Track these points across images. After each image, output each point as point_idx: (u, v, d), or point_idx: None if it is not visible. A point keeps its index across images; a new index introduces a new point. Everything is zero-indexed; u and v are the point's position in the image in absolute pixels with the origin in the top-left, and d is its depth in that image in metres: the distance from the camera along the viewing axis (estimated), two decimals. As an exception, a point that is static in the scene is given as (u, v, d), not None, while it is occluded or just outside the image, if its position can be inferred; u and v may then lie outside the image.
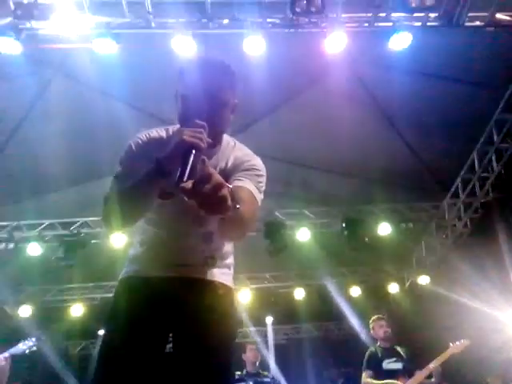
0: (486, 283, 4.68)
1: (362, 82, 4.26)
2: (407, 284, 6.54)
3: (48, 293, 6.05)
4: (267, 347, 6.56)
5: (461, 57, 3.77)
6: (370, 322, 4.03)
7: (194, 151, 0.96)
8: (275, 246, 5.27)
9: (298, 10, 3.12)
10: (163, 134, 1.33)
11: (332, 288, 6.24)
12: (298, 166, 5.11)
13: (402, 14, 3.35)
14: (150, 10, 3.34)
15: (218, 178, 0.82)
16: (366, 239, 5.33)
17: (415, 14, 3.33)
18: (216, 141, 1.24)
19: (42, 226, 5.09)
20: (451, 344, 3.49)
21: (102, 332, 6.62)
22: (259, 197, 1.25)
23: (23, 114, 4.16)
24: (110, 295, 5.66)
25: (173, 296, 1.28)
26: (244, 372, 3.80)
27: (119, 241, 4.98)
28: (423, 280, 5.98)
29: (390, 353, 3.68)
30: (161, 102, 4.47)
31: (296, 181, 5.19)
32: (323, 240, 5.62)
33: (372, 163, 5.06)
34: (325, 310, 6.55)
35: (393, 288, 6.43)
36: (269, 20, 3.43)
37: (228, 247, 1.40)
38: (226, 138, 1.36)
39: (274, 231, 5.23)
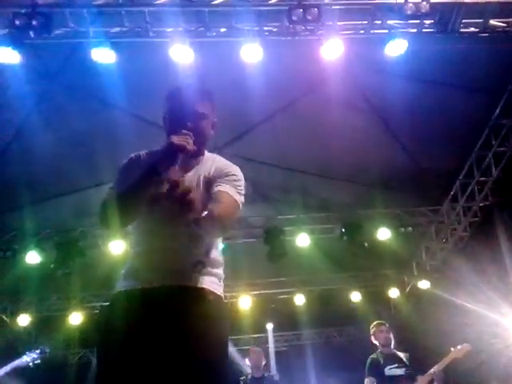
0: (486, 286, 4.67)
1: (359, 89, 4.29)
2: (408, 288, 6.53)
3: (46, 301, 6.02)
4: (268, 354, 6.52)
5: (457, 62, 3.80)
6: (371, 327, 4.01)
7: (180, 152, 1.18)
8: (275, 252, 5.28)
9: (294, 18, 3.15)
10: (153, 154, 1.43)
11: (332, 293, 6.23)
12: (296, 172, 5.12)
13: (398, 21, 3.38)
14: (148, 19, 3.37)
15: (186, 184, 1.04)
16: (366, 244, 5.33)
17: (410, 21, 3.35)
18: (199, 150, 1.39)
19: (41, 235, 5.07)
20: (452, 349, 3.46)
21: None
22: (238, 198, 1.37)
23: (21, 122, 4.17)
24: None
25: (163, 305, 1.29)
26: (249, 377, 3.75)
27: (117, 248, 4.96)
28: (424, 284, 5.97)
29: (392, 359, 3.65)
30: (160, 109, 4.51)
31: (294, 187, 5.21)
32: (323, 245, 5.62)
33: (370, 168, 5.08)
34: (326, 316, 6.52)
35: (393, 293, 6.41)
36: (266, 28, 3.46)
37: (216, 255, 1.43)
38: (208, 153, 1.51)
39: (273, 237, 5.24)
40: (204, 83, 1.58)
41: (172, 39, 3.36)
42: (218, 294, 1.38)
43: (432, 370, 3.44)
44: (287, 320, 6.65)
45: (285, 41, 3.57)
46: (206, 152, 1.49)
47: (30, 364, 2.88)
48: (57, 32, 3.33)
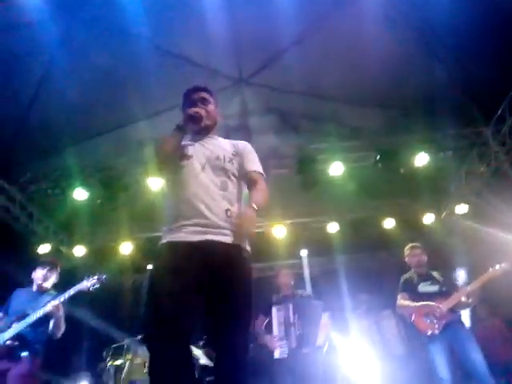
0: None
1: (396, 2, 3.87)
2: (444, 215, 6.46)
3: (98, 233, 6.56)
4: (303, 279, 6.88)
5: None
6: (405, 249, 4.08)
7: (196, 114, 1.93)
8: (308, 181, 5.31)
9: None
10: None
11: (365, 221, 6.31)
12: (327, 99, 4.91)
13: None
14: None
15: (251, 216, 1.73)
16: (402, 170, 5.20)
17: None
18: (210, 127, 2.03)
19: (85, 173, 5.36)
20: (491, 268, 3.47)
21: (150, 266, 7.23)
22: (262, 170, 2.01)
23: (48, 64, 4.18)
24: (155, 234, 6.09)
25: (204, 256, 1.64)
26: (280, 295, 3.95)
27: (155, 184, 5.18)
28: (461, 209, 5.87)
29: (426, 277, 3.73)
30: (186, 40, 4.36)
31: (326, 115, 5.03)
32: (356, 174, 5.56)
33: (408, 91, 4.78)
34: (358, 242, 6.68)
35: (428, 219, 6.38)
36: None
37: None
38: (220, 138, 2.09)
39: (306, 167, 5.24)
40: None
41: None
42: (247, 249, 1.79)
43: (467, 287, 3.48)
44: (321, 247, 6.89)
45: None
46: (218, 137, 2.07)
47: (90, 288, 3.22)
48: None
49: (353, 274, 6.65)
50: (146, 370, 4.76)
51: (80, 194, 5.32)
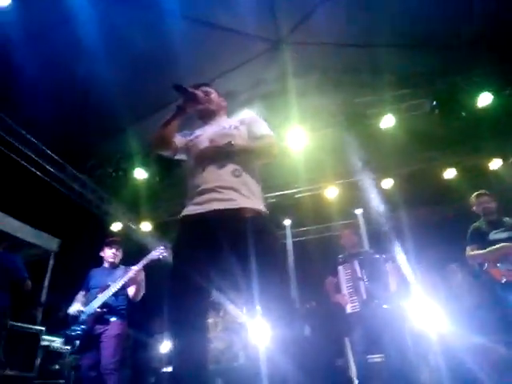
0: None
1: None
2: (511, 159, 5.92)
3: (160, 209, 7.03)
4: (361, 237, 6.81)
5: None
6: (471, 198, 3.88)
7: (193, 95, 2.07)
8: (358, 138, 5.14)
9: None
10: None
11: (423, 173, 6.00)
12: (371, 47, 4.62)
13: None
14: None
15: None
16: (463, 114, 4.80)
17: None
18: (215, 111, 2.17)
19: (142, 153, 5.70)
20: None
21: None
22: (270, 131, 2.03)
23: (93, 47, 4.39)
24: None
25: (214, 224, 1.70)
26: (346, 254, 4.04)
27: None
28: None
29: (497, 224, 3.54)
30: (219, 9, 4.33)
31: (371, 65, 4.75)
32: (410, 124, 5.25)
33: (466, 24, 4.32)
34: (417, 197, 6.41)
35: (495, 164, 5.89)
36: None
37: (250, 175, 1.89)
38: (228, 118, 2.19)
39: (354, 123, 5.06)
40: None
41: None
42: (258, 209, 1.80)
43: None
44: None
45: None
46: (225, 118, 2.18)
47: (160, 257, 3.55)
48: None
49: (413, 230, 6.44)
50: (217, 328, 5.17)
51: (140, 174, 5.70)
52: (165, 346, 5.56)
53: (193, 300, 1.63)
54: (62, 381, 4.52)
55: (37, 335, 4.39)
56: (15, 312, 3.97)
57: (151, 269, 3.66)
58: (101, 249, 3.83)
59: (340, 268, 3.92)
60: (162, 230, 7.36)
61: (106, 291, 3.46)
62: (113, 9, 4.05)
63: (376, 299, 3.64)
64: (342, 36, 4.57)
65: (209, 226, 1.70)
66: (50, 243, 5.81)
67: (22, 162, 5.22)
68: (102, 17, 4.06)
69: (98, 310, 3.41)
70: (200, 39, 4.47)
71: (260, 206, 1.82)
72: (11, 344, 3.99)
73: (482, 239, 3.52)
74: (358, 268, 3.81)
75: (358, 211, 6.84)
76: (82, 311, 3.44)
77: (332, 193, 6.34)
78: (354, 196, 6.46)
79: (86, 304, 3.49)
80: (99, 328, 3.38)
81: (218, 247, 1.68)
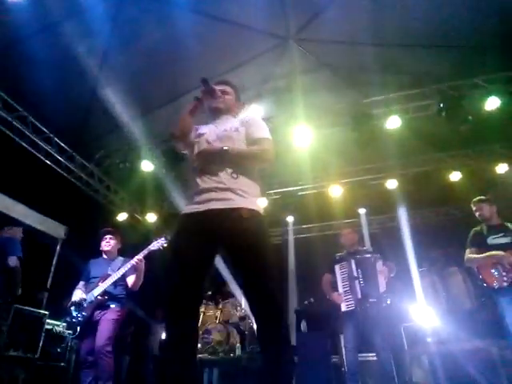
0: None
1: None
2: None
3: (165, 201, 7.11)
4: (362, 237, 6.83)
5: None
6: (472, 203, 3.88)
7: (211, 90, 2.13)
8: (364, 138, 5.13)
9: None
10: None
11: (428, 175, 5.99)
12: (381, 46, 4.60)
13: None
14: None
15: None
16: (470, 117, 4.78)
17: None
18: (222, 110, 2.19)
19: (149, 146, 5.78)
20: None
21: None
22: (268, 135, 2.07)
23: (106, 44, 4.46)
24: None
25: (209, 221, 1.79)
26: (344, 253, 4.10)
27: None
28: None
29: (497, 229, 3.54)
30: (230, 3, 4.35)
31: (379, 64, 4.72)
32: (417, 126, 5.24)
33: (475, 27, 4.29)
34: (419, 198, 6.40)
35: (501, 168, 5.85)
36: None
37: (249, 182, 1.93)
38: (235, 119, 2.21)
39: (361, 123, 5.05)
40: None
41: None
42: (253, 208, 1.84)
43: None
44: (380, 204, 6.74)
45: None
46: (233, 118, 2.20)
47: (161, 247, 3.63)
48: None
49: (416, 231, 6.44)
50: (217, 320, 5.27)
51: (146, 166, 5.78)
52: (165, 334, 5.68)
53: (186, 288, 1.72)
54: (62, 363, 4.66)
55: (41, 319, 4.53)
56: (22, 296, 4.09)
57: (153, 259, 3.74)
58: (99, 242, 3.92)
59: (336, 267, 3.98)
60: (166, 221, 7.46)
61: (107, 280, 3.57)
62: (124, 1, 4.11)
63: (371, 299, 3.69)
64: (352, 35, 4.56)
65: (206, 224, 1.78)
66: (58, 230, 5.94)
67: (32, 150, 5.33)
68: (113, 9, 4.12)
69: (99, 297, 3.52)
70: (210, 33, 4.50)
71: (256, 205, 1.88)
72: (16, 326, 4.13)
73: (481, 243, 3.53)
74: (354, 267, 3.87)
75: (362, 211, 6.86)
76: (85, 299, 3.56)
77: (336, 191, 6.36)
78: (357, 195, 6.47)
79: (87, 292, 3.61)
80: (98, 314, 3.50)
81: (213, 244, 1.78)
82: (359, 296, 3.74)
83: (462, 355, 3.80)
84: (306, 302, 5.65)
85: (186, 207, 1.92)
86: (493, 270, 3.37)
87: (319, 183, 6.39)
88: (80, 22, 4.07)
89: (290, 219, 7.47)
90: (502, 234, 3.49)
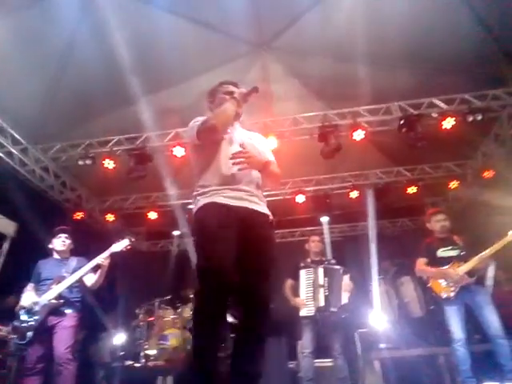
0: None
1: None
2: (469, 180, 6.29)
3: (127, 201, 6.88)
4: (324, 244, 6.98)
5: None
6: (427, 215, 4.07)
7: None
8: (329, 148, 5.26)
9: None
10: None
11: (387, 187, 6.25)
12: (348, 62, 4.77)
13: None
14: None
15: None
16: (427, 136, 5.06)
17: None
18: (238, 116, 2.23)
19: (112, 143, 5.56)
20: (509, 232, 3.43)
21: (176, 233, 7.57)
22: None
23: (71, 34, 4.26)
24: (179, 202, 6.35)
25: (242, 219, 1.91)
26: (309, 260, 4.16)
27: (179, 152, 5.30)
28: (488, 174, 5.70)
29: (446, 242, 3.73)
30: (204, 6, 4.31)
31: (347, 79, 4.90)
32: (379, 139, 5.47)
33: (436, 49, 4.56)
34: (379, 209, 6.66)
35: (453, 184, 6.24)
36: None
37: (261, 189, 2.11)
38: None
39: (327, 133, 5.19)
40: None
41: None
42: (271, 217, 2.07)
43: (485, 252, 3.47)
44: (342, 214, 6.94)
45: None
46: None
47: (123, 249, 3.48)
48: None
49: (377, 241, 6.68)
50: (174, 325, 5.13)
51: (108, 164, 5.55)
52: (117, 340, 5.46)
53: (229, 265, 1.79)
54: (3, 370, 4.33)
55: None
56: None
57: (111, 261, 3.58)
58: (49, 241, 3.68)
59: (302, 272, 4.02)
60: (126, 221, 7.21)
61: (62, 283, 3.35)
62: None
63: (332, 308, 3.76)
64: (324, 48, 4.68)
65: (235, 217, 1.90)
66: (7, 227, 5.54)
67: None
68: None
69: (54, 301, 3.29)
70: (183, 34, 4.44)
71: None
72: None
73: (431, 255, 3.72)
74: (321, 275, 3.92)
75: (324, 219, 7.02)
76: (37, 302, 3.32)
77: (299, 199, 6.46)
78: (322, 204, 6.60)
79: (38, 296, 3.36)
80: (53, 319, 3.27)
81: (238, 236, 1.88)
82: (321, 304, 3.80)
83: (412, 360, 3.98)
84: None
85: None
86: (441, 281, 3.57)
87: (283, 190, 6.47)
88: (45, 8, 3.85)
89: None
90: (450, 247, 3.69)
